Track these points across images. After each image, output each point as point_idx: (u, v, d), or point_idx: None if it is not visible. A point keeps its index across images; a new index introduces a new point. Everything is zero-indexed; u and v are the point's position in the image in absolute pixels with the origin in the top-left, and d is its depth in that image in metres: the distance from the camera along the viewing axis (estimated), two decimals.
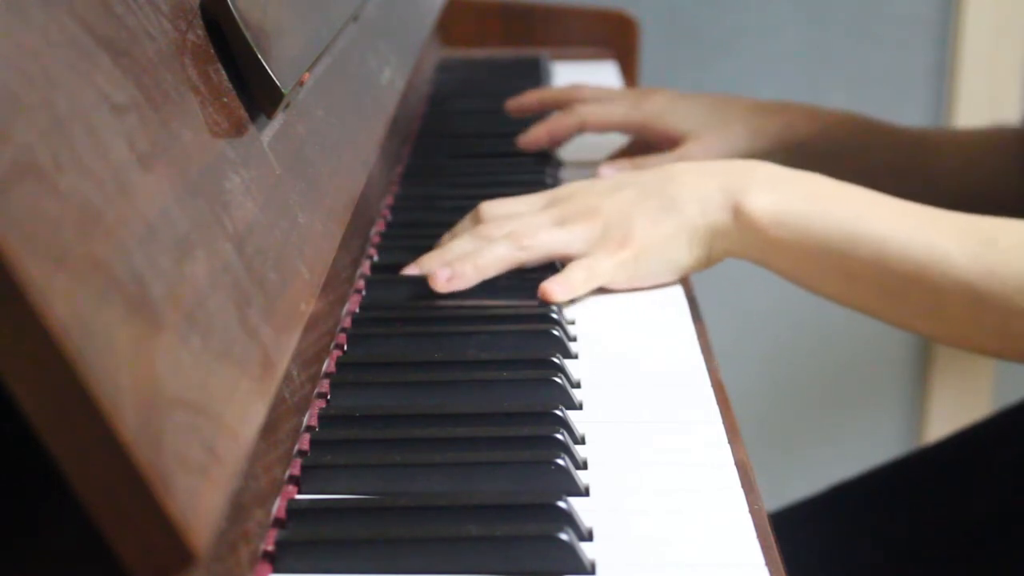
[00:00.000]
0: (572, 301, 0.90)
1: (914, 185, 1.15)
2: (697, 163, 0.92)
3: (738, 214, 0.87)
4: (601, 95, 1.16)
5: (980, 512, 1.06)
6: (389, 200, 1.08)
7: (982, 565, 1.04)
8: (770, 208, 0.86)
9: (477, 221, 0.92)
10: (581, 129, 1.14)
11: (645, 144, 1.16)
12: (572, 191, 0.92)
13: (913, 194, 1.14)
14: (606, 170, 1.07)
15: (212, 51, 0.66)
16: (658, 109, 1.12)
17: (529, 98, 1.18)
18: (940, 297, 0.83)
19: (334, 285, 0.83)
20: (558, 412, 0.71)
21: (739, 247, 0.88)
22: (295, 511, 0.62)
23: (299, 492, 0.65)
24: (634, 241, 0.88)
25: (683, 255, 0.89)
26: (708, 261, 0.90)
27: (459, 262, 0.87)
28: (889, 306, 0.86)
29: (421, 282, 0.89)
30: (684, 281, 0.94)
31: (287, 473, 0.65)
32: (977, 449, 1.11)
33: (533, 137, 1.14)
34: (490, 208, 0.92)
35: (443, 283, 0.87)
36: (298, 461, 0.66)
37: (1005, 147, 1.16)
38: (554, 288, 0.87)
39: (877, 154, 1.14)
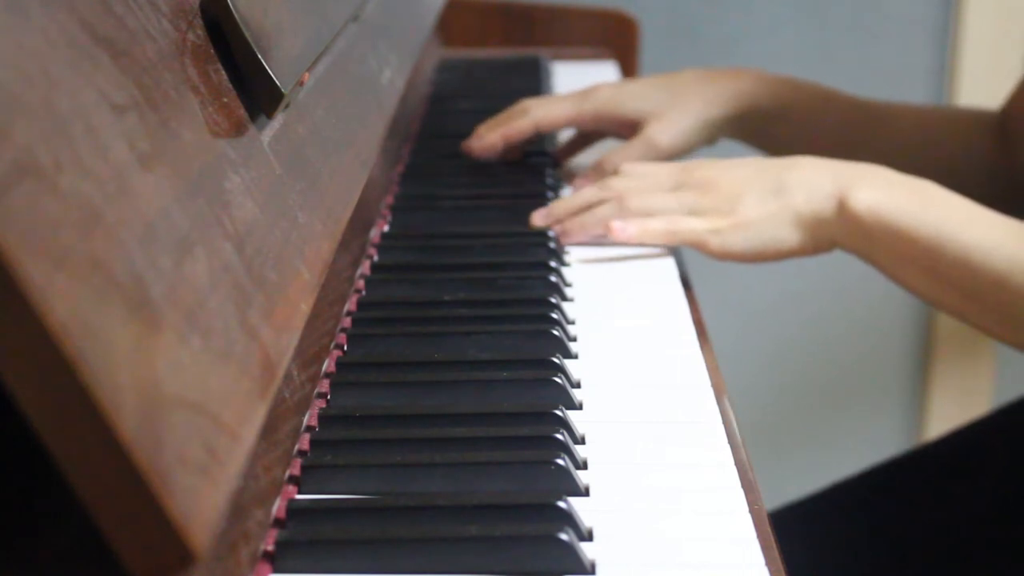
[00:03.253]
0: (573, 301, 0.90)
1: (866, 157, 1.15)
2: (816, 157, 0.95)
3: (842, 206, 0.90)
4: (548, 99, 1.15)
5: (979, 509, 1.06)
6: (389, 200, 1.08)
7: (981, 563, 1.04)
8: (871, 204, 0.89)
9: (612, 172, 1.01)
10: (535, 129, 1.13)
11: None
12: (701, 162, 0.97)
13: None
14: (581, 180, 1.09)
15: (212, 51, 0.66)
16: (608, 96, 1.12)
17: (491, 136, 1.15)
18: (1018, 308, 0.86)
19: (334, 285, 0.83)
20: (558, 412, 0.71)
21: (842, 238, 0.92)
22: (295, 511, 0.62)
23: (299, 492, 0.65)
24: (736, 214, 0.93)
25: (786, 236, 0.92)
26: (814, 248, 0.93)
27: (569, 219, 0.98)
28: (972, 310, 0.89)
29: (421, 282, 0.90)
30: (685, 281, 0.94)
31: (287, 473, 0.65)
32: (976, 447, 1.11)
33: (489, 143, 1.12)
34: (628, 166, 1.00)
35: (557, 237, 0.98)
36: (298, 461, 0.66)
37: (970, 129, 1.16)
38: (626, 226, 0.94)
39: (828, 121, 1.15)
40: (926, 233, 0.88)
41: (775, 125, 1.14)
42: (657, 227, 0.94)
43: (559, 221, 0.99)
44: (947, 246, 0.87)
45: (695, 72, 1.14)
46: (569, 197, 1.01)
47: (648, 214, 0.95)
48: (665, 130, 1.09)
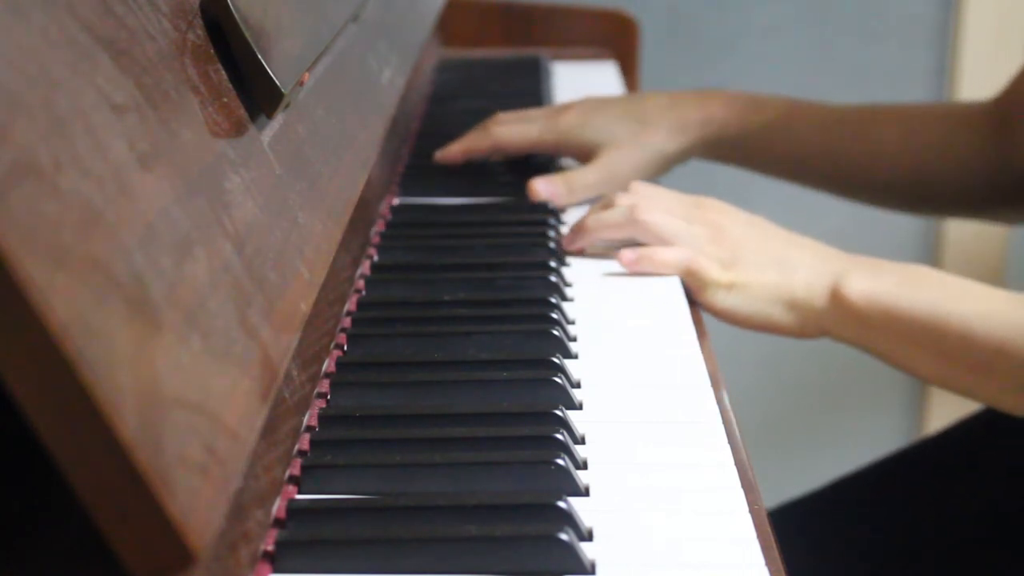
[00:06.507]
0: (573, 301, 0.90)
1: (851, 165, 1.16)
2: (821, 244, 0.94)
3: (836, 295, 0.90)
4: (518, 117, 1.14)
5: (980, 504, 1.06)
6: (389, 200, 1.08)
7: (982, 558, 1.04)
8: (865, 290, 0.89)
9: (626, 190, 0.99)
10: (495, 149, 1.12)
11: None
12: (714, 204, 0.96)
13: (851, 174, 1.15)
14: (540, 185, 1.07)
15: (212, 51, 0.66)
16: (571, 125, 1.12)
17: (453, 150, 1.15)
18: (1022, 372, 0.85)
19: (334, 285, 0.83)
20: (558, 412, 0.71)
21: (835, 327, 0.91)
22: (295, 511, 0.62)
23: (299, 492, 0.65)
24: (736, 270, 0.92)
25: (777, 313, 0.92)
26: (801, 332, 0.93)
27: (581, 225, 0.97)
28: (977, 383, 0.89)
29: (421, 282, 0.90)
30: (683, 281, 0.94)
31: (287, 473, 0.65)
32: (976, 441, 1.11)
33: (448, 154, 1.13)
34: (639, 185, 0.99)
35: (566, 241, 0.98)
36: (298, 461, 0.66)
37: (960, 125, 1.15)
38: (639, 257, 0.93)
39: (804, 134, 1.15)
40: (924, 310, 0.87)
41: (749, 146, 1.14)
42: (676, 258, 0.93)
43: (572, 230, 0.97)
44: (947, 320, 0.87)
45: (664, 99, 1.14)
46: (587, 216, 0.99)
47: (659, 234, 0.94)
48: (625, 159, 1.09)
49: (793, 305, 0.91)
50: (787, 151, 1.15)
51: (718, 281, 0.92)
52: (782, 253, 0.92)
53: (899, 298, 0.88)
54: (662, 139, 1.11)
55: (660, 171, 1.13)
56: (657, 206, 0.95)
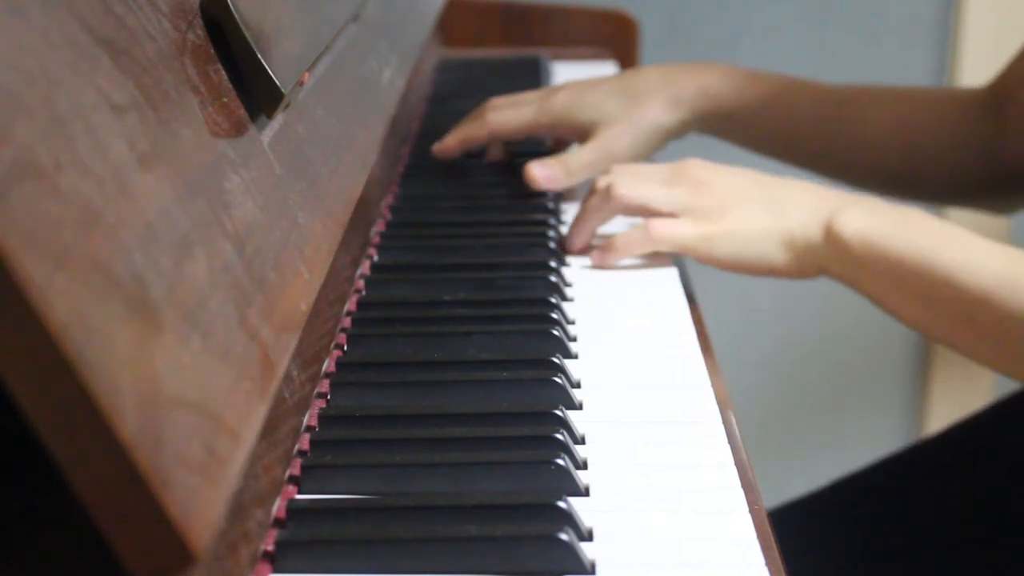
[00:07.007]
0: (573, 301, 0.90)
1: (843, 145, 1.16)
2: (812, 183, 0.94)
3: (829, 231, 0.90)
4: (511, 101, 1.14)
5: (980, 503, 1.06)
6: (389, 200, 1.08)
7: (982, 557, 1.04)
8: (858, 227, 0.89)
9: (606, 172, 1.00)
10: (491, 136, 1.12)
11: None
12: (695, 162, 0.96)
13: (843, 154, 1.16)
14: (536, 170, 1.06)
15: (212, 51, 0.66)
16: (564, 105, 1.11)
17: (449, 141, 1.15)
18: (1007, 325, 0.85)
19: (334, 285, 0.83)
20: (558, 412, 0.71)
21: (829, 264, 0.91)
22: (295, 511, 0.62)
23: (299, 492, 0.65)
24: (725, 221, 0.92)
25: (773, 254, 0.92)
26: (799, 271, 0.93)
27: (574, 222, 0.99)
28: (963, 336, 0.88)
29: (421, 282, 0.90)
30: (684, 280, 0.94)
31: (287, 473, 0.65)
32: (976, 440, 1.11)
33: (444, 147, 1.13)
34: (617, 165, 1.00)
35: (568, 244, 0.99)
36: (298, 461, 0.66)
37: (953, 109, 1.15)
38: (604, 250, 0.94)
39: (798, 111, 1.14)
40: (912, 254, 0.87)
41: (743, 120, 1.13)
42: (637, 235, 0.93)
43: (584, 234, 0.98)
44: (933, 265, 0.87)
45: (658, 72, 1.13)
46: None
47: (641, 204, 0.94)
48: (621, 136, 1.09)
49: (791, 245, 0.91)
50: (780, 127, 1.15)
51: (706, 235, 0.92)
52: (773, 195, 0.92)
53: (890, 238, 0.88)
54: (656, 113, 1.10)
55: (657, 145, 1.12)
56: (633, 179, 0.95)
